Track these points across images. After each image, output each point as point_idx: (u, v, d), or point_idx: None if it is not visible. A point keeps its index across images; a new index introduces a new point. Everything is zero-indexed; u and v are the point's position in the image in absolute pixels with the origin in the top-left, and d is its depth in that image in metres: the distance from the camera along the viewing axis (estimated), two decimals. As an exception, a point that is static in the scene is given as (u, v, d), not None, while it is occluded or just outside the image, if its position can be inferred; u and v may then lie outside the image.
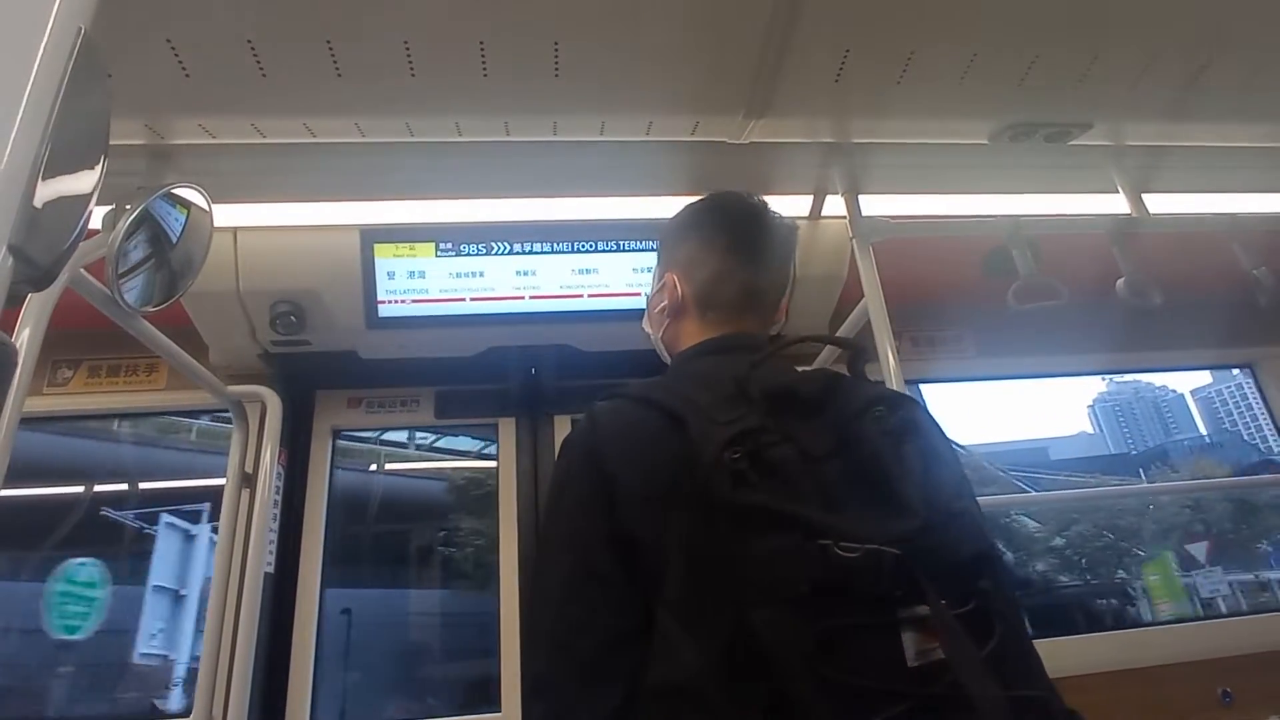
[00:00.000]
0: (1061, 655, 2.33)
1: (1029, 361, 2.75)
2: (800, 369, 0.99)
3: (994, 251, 2.23)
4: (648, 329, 1.20)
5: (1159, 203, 2.17)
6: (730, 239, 1.10)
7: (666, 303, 1.12)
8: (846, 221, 1.99)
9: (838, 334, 2.01)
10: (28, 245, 0.40)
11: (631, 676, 0.74)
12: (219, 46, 1.41)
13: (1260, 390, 2.89)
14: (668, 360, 1.16)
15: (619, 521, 0.80)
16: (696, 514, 0.74)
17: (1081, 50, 1.66)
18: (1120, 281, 2.09)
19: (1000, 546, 0.83)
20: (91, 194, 0.49)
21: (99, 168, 0.50)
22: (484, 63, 1.49)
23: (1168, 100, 1.87)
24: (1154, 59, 1.71)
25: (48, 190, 0.42)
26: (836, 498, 0.76)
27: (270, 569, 2.04)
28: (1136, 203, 2.14)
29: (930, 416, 0.92)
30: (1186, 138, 2.05)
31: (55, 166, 0.43)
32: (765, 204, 1.16)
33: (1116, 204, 2.17)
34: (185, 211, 1.70)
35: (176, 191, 1.65)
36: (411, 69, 1.48)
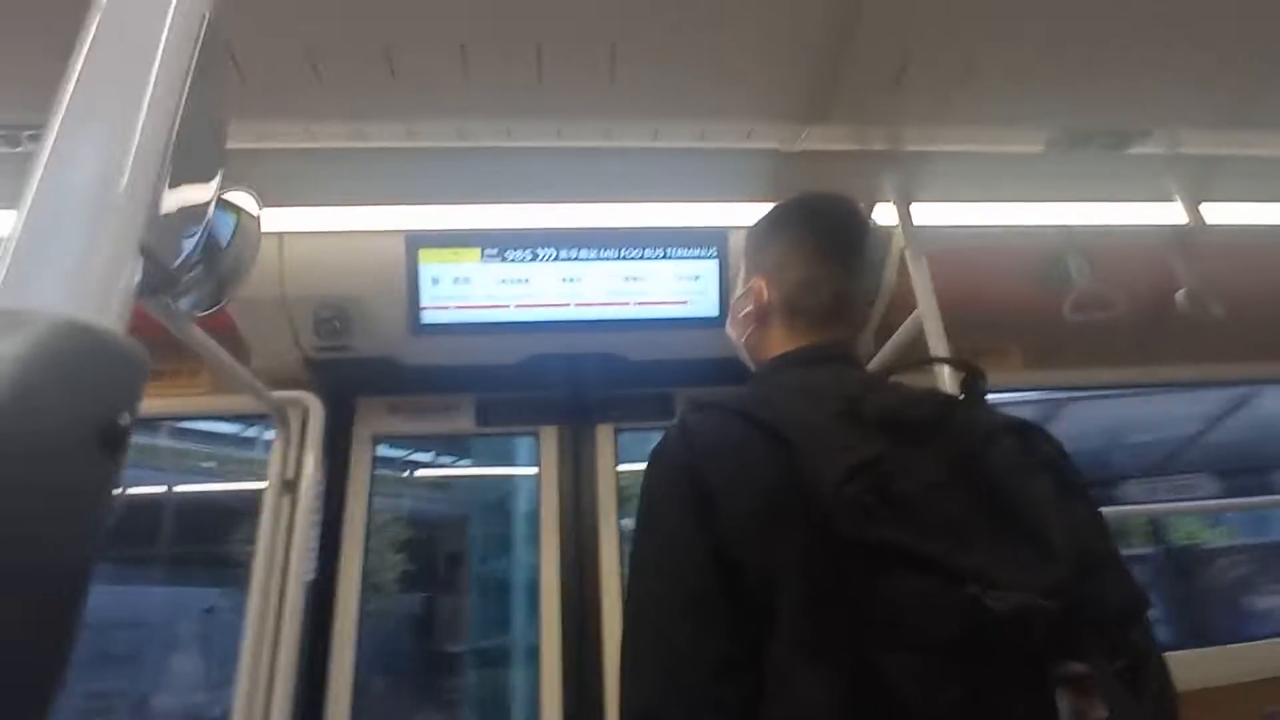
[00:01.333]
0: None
1: (1078, 375, 2.68)
2: (912, 387, 0.91)
3: (1049, 260, 2.18)
4: (732, 334, 1.15)
5: (1216, 212, 2.11)
6: (821, 242, 1.04)
7: (752, 308, 1.06)
8: (894, 231, 1.95)
9: (889, 344, 1.96)
10: (158, 247, 0.38)
11: (743, 709, 0.70)
12: (278, 56, 1.40)
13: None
14: (752, 367, 1.11)
15: (723, 542, 0.75)
16: (816, 546, 0.69)
17: (1141, 56, 1.62)
18: (1180, 293, 2.03)
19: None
20: (212, 200, 0.47)
21: (219, 173, 0.47)
22: (539, 68, 1.47)
23: (1226, 108, 1.82)
24: (1213, 66, 1.66)
25: (174, 196, 0.40)
26: (970, 534, 0.70)
27: (311, 576, 2.02)
28: (1194, 212, 2.08)
29: (1062, 448, 0.84)
30: (1245, 146, 2.00)
31: (180, 171, 0.41)
32: (857, 206, 1.11)
33: (1173, 214, 2.11)
34: (235, 216, 1.69)
35: (227, 197, 1.65)
36: (466, 73, 1.47)
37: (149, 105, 0.39)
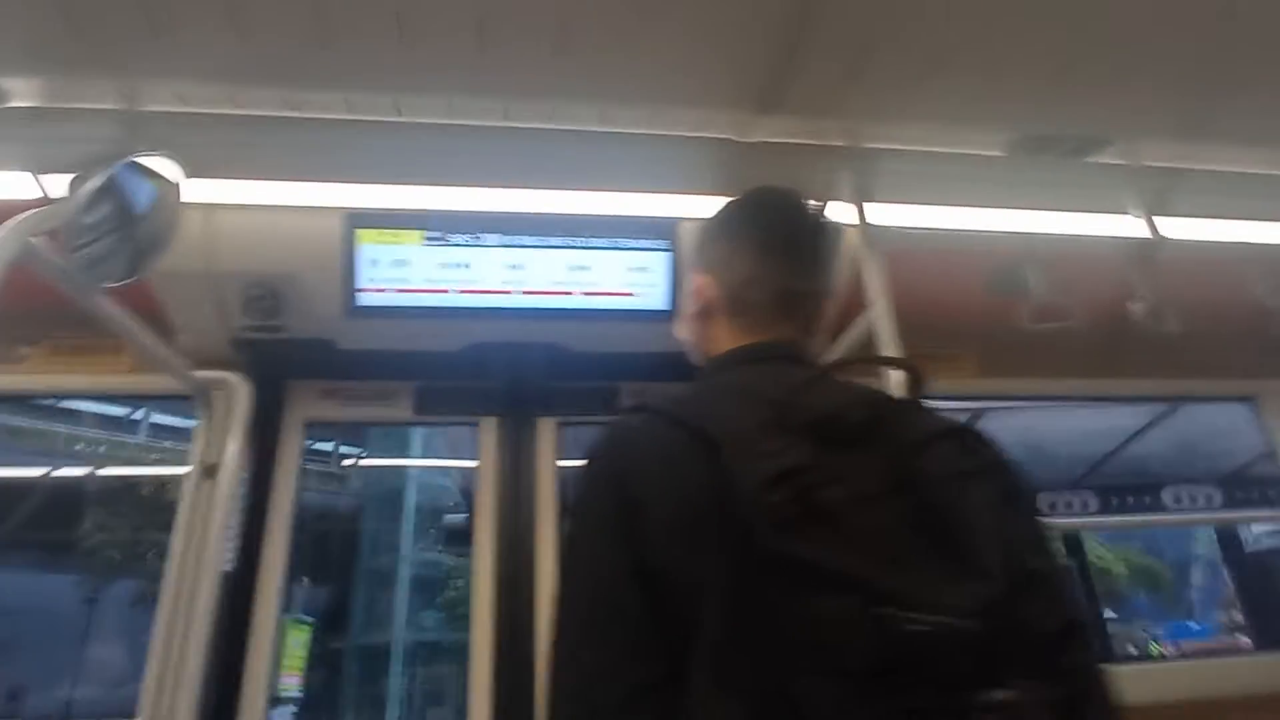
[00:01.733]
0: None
1: (1029, 384, 2.68)
2: (852, 385, 0.87)
3: (1002, 269, 2.16)
4: (680, 334, 1.11)
5: (1174, 226, 2.11)
6: (766, 238, 1.00)
7: (696, 306, 1.02)
8: (850, 230, 1.90)
9: (840, 344, 1.93)
10: None
11: None
12: (198, 10, 1.31)
13: (1262, 424, 2.84)
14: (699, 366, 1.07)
15: (647, 555, 0.70)
16: (734, 559, 0.64)
17: (1106, 63, 1.60)
18: (1136, 305, 2.02)
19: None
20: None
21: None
22: (482, 38, 1.40)
23: (1187, 119, 1.82)
24: (1176, 77, 1.66)
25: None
26: (896, 550, 0.65)
27: (229, 567, 1.92)
28: (1152, 225, 2.08)
29: (1002, 455, 0.79)
30: (1205, 160, 1.99)
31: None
32: (808, 202, 1.06)
33: (1131, 226, 2.10)
34: (154, 184, 1.60)
35: (145, 161, 1.54)
36: (405, 42, 1.39)
37: None
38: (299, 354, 2.10)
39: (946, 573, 0.63)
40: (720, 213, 1.09)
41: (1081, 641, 0.68)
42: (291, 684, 2.15)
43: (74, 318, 1.76)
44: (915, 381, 0.85)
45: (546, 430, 2.24)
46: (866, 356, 1.00)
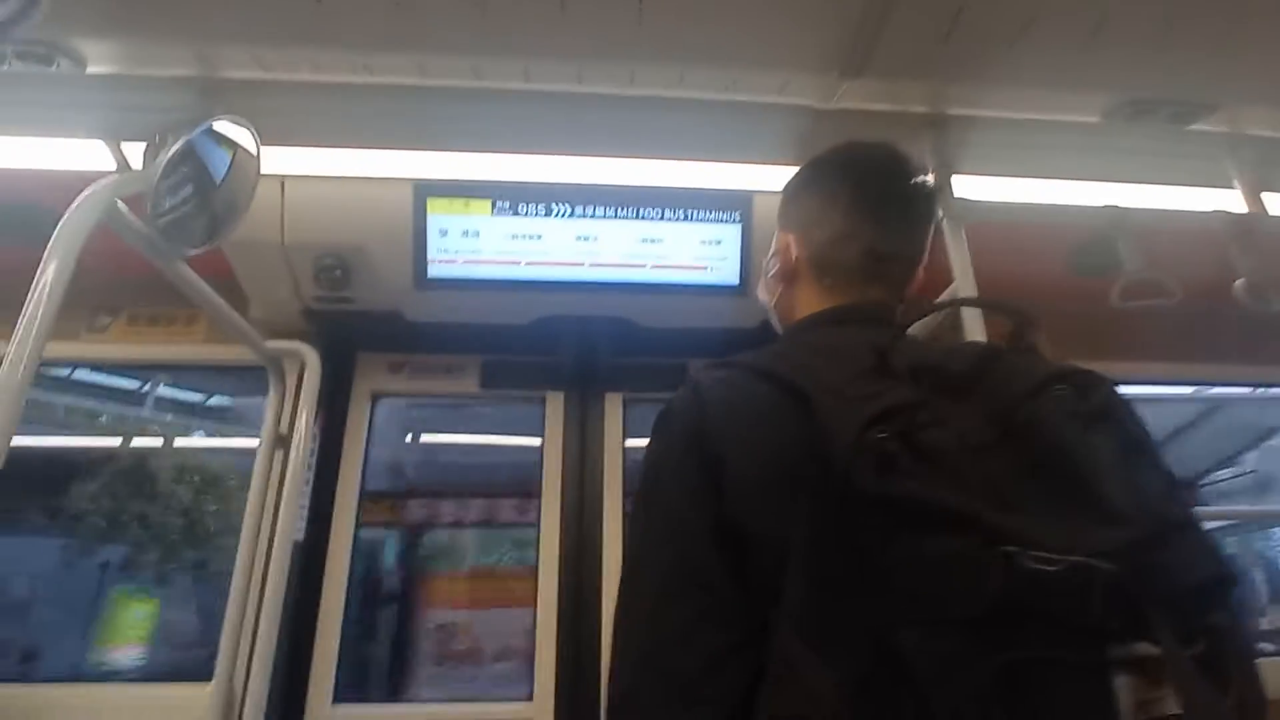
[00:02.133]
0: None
1: (1116, 365, 2.55)
2: (947, 343, 0.83)
3: (1093, 243, 2.05)
4: (762, 296, 1.06)
5: (1278, 201, 1.98)
6: (855, 196, 0.94)
7: (779, 267, 0.98)
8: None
9: (923, 321, 1.85)
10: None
11: (736, 701, 0.62)
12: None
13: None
14: (780, 332, 1.02)
15: (728, 513, 0.67)
16: (830, 507, 0.59)
17: (1212, 23, 1.49)
18: (1239, 283, 1.90)
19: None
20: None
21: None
22: (563, 1, 1.36)
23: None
24: (1287, 41, 1.53)
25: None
26: (1013, 494, 0.59)
27: (300, 536, 1.94)
28: (1255, 201, 1.95)
29: (1124, 400, 0.71)
30: (1318, 129, 1.86)
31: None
32: (903, 157, 1.00)
33: (1232, 200, 1.98)
34: (231, 151, 1.59)
35: (222, 130, 1.54)
36: (483, 3, 1.35)
37: None
38: (368, 325, 2.11)
39: (1075, 517, 0.57)
40: (807, 167, 1.04)
41: (1227, 599, 0.61)
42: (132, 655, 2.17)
43: (151, 288, 1.78)
44: (1023, 327, 0.78)
45: (614, 406, 2.21)
46: (965, 299, 0.94)
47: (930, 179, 1.01)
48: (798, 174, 1.06)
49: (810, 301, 0.94)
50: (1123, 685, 0.52)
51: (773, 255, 1.02)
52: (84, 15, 1.39)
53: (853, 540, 0.58)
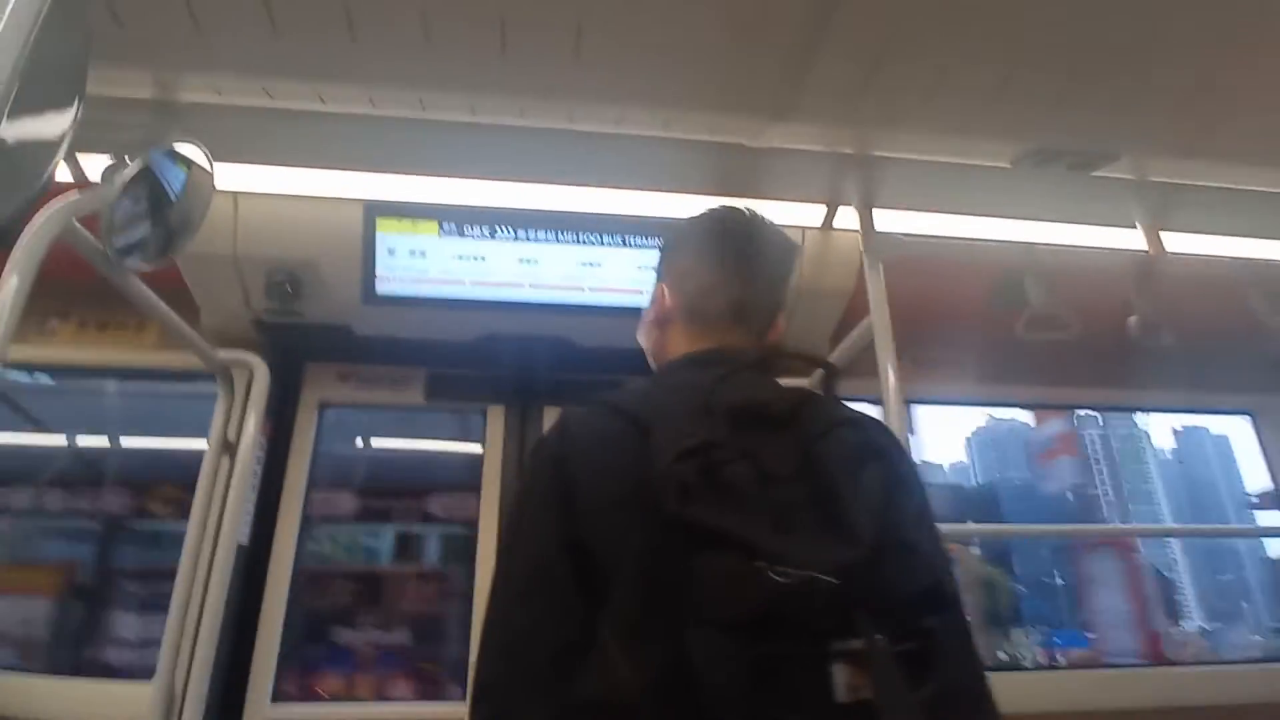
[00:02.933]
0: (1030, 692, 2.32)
1: (1026, 391, 2.73)
2: (784, 383, 0.95)
3: (1004, 279, 2.20)
4: (640, 339, 1.19)
5: (1177, 242, 2.14)
6: (721, 252, 1.07)
7: (654, 313, 1.11)
8: (858, 235, 1.95)
9: (840, 348, 1.98)
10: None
11: (574, 690, 0.74)
12: (234, 6, 1.37)
13: (1259, 437, 2.88)
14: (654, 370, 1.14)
15: (577, 529, 0.79)
16: (647, 526, 0.73)
17: (1114, 80, 1.63)
18: (1133, 319, 2.06)
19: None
20: (62, 140, 0.46)
21: (73, 111, 0.46)
22: (503, 39, 1.45)
23: (1191, 137, 1.84)
24: (1181, 95, 1.68)
25: (16, 130, 0.39)
26: (790, 521, 0.73)
27: (245, 540, 2.00)
28: (1155, 240, 2.11)
29: (897, 442, 0.89)
30: (1212, 178, 2.02)
31: (25, 104, 0.40)
32: (764, 220, 1.13)
33: (1134, 239, 2.14)
34: (186, 170, 1.66)
35: (179, 149, 1.61)
36: (428, 40, 1.44)
37: None
38: (317, 338, 2.18)
39: (823, 539, 0.72)
40: (681, 226, 1.17)
41: (942, 606, 0.76)
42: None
43: (103, 294, 1.82)
44: (831, 377, 0.96)
45: (552, 420, 2.30)
46: (792, 353, 1.08)
47: (788, 238, 1.15)
48: (674, 230, 1.19)
49: (679, 344, 1.05)
50: (838, 673, 0.67)
51: (650, 303, 1.14)
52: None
53: (661, 554, 0.71)
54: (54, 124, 0.47)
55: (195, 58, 1.51)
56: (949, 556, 0.84)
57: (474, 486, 2.27)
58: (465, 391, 2.35)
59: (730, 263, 1.06)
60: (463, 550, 2.29)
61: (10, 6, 0.42)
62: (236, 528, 1.91)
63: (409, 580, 2.38)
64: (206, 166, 1.65)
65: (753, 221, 1.12)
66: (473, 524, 2.23)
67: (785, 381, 0.98)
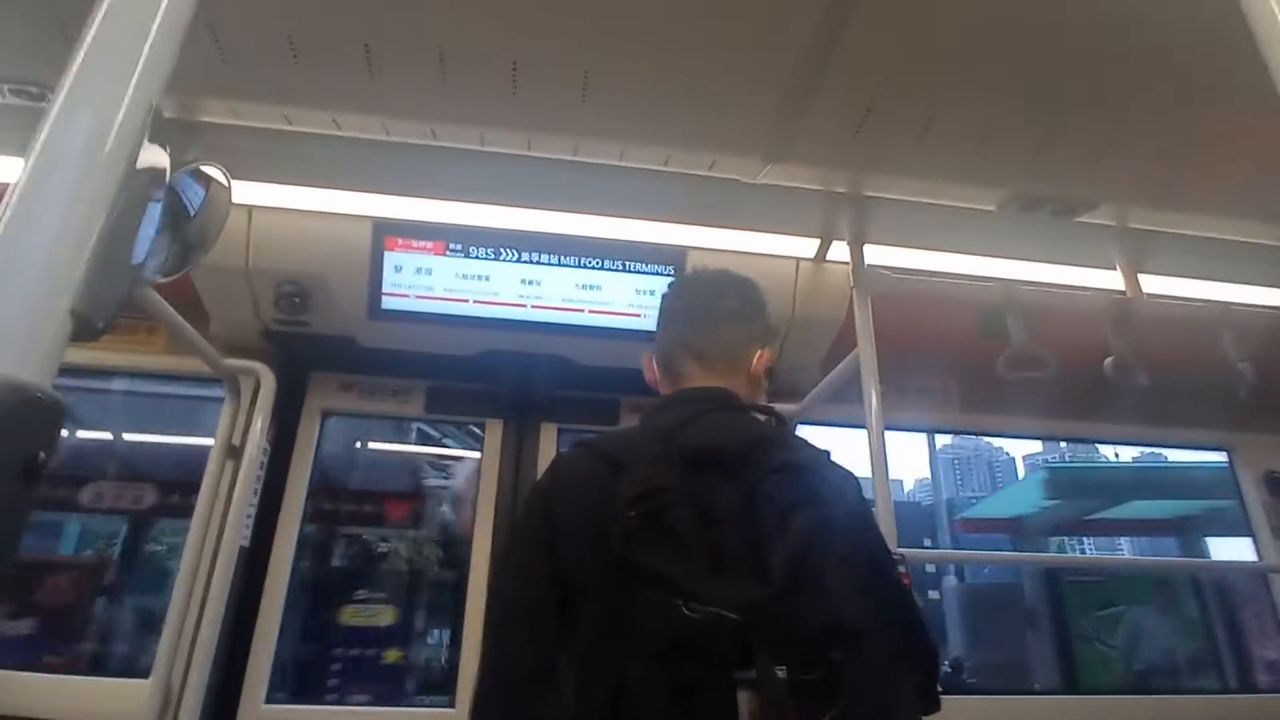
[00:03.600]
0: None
1: (1008, 421, 2.81)
2: (741, 420, 1.03)
3: (989, 312, 2.28)
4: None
5: (1154, 284, 2.22)
6: (684, 311, 1.17)
7: (649, 380, 1.20)
8: (849, 268, 2.03)
9: (828, 378, 2.06)
10: (88, 309, 0.44)
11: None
12: (259, 36, 1.44)
13: (1233, 474, 2.96)
14: None
15: (559, 561, 0.89)
16: (606, 564, 0.82)
17: (1096, 131, 1.71)
18: (1108, 360, 2.13)
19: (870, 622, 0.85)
20: (143, 263, 0.53)
21: (152, 236, 0.54)
22: (515, 80, 1.53)
23: (1174, 187, 1.93)
24: (1164, 148, 1.76)
25: (106, 256, 0.46)
26: (719, 562, 0.82)
27: (246, 543, 2.07)
28: (1133, 283, 2.19)
29: (846, 484, 0.96)
30: (1188, 226, 2.11)
31: (117, 236, 0.47)
32: (723, 274, 1.22)
33: (1114, 280, 2.21)
34: (205, 187, 1.72)
35: (201, 167, 1.68)
36: (444, 78, 1.52)
37: (83, 199, 0.46)
38: (322, 348, 2.24)
39: (742, 578, 0.81)
40: (660, 303, 1.25)
41: (846, 641, 0.82)
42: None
43: (116, 299, 1.88)
44: (779, 421, 1.06)
45: (549, 435, 2.38)
46: (744, 405, 1.15)
47: (753, 292, 1.23)
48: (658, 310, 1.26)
49: (663, 391, 1.16)
50: (743, 700, 0.77)
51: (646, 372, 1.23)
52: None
53: (608, 590, 0.82)
54: (138, 248, 0.54)
55: (218, 83, 1.58)
56: (879, 593, 0.89)
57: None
58: (465, 405, 2.41)
59: (690, 318, 1.15)
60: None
61: (108, 147, 0.49)
62: (239, 530, 1.98)
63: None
64: (225, 184, 1.71)
65: (708, 279, 1.21)
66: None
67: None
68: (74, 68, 0.50)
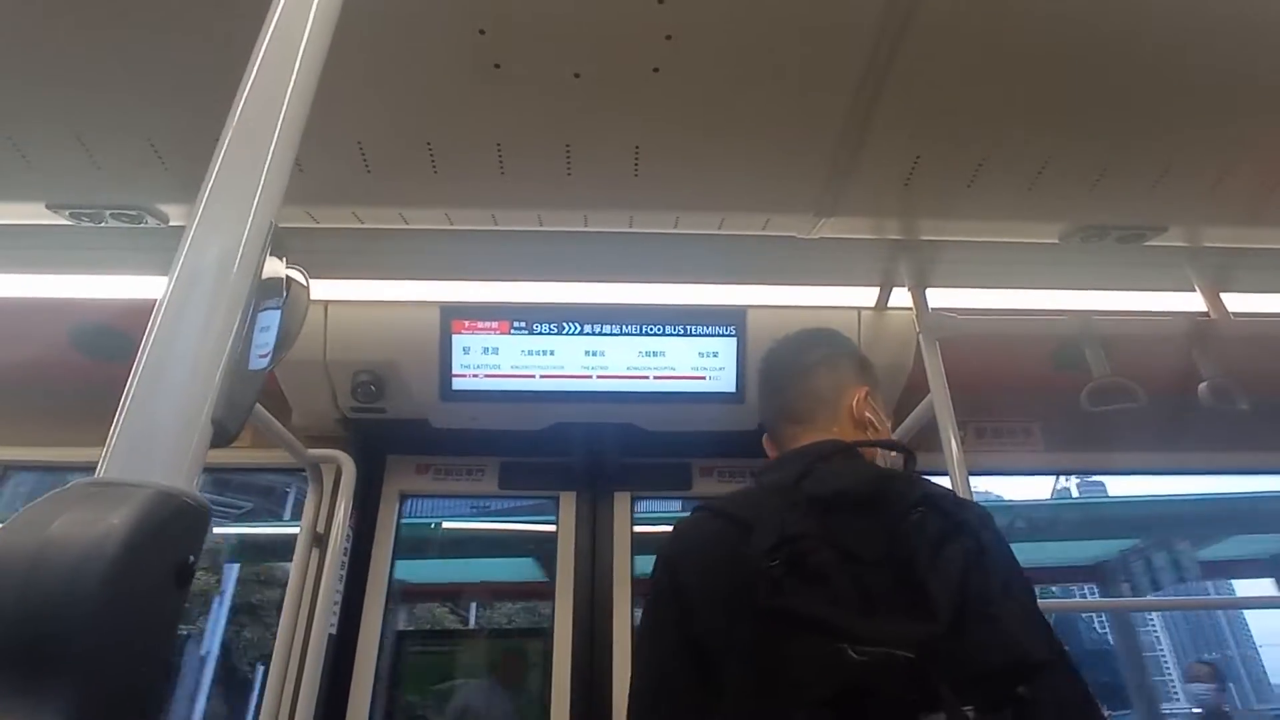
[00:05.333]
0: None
1: (1099, 457, 2.69)
2: (863, 464, 1.03)
3: (1065, 345, 2.21)
4: None
5: (1239, 303, 2.13)
6: (773, 380, 1.23)
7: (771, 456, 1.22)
8: (913, 313, 2.01)
9: (903, 425, 2.02)
10: (225, 416, 0.47)
11: None
12: (332, 145, 1.54)
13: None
14: None
15: (691, 630, 0.88)
16: (749, 618, 0.80)
17: (1154, 156, 1.67)
18: (1203, 385, 2.04)
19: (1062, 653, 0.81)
20: (265, 368, 0.57)
21: (271, 342, 0.58)
22: (569, 164, 1.59)
23: (1243, 205, 1.86)
24: (1230, 162, 1.71)
25: (237, 364, 0.50)
26: (875, 601, 0.79)
27: (334, 630, 2.10)
28: (1215, 302, 2.10)
29: (980, 515, 0.93)
30: (1267, 240, 2.02)
31: (245, 345, 0.51)
32: (802, 333, 1.28)
33: (1194, 302, 2.13)
34: (287, 289, 1.83)
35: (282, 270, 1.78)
36: (502, 169, 1.59)
37: (219, 314, 0.51)
38: (398, 432, 2.31)
39: (903, 616, 0.78)
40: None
41: (1033, 676, 0.78)
42: None
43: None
44: (908, 459, 1.04)
45: (622, 504, 2.38)
46: (867, 441, 1.15)
47: (827, 343, 1.26)
48: None
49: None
50: None
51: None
52: (167, 185, 1.64)
53: (759, 644, 0.79)
54: (270, 359, 0.58)
55: (295, 192, 1.68)
56: (1043, 623, 0.85)
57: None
58: (537, 480, 2.44)
59: (776, 384, 1.21)
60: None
61: (237, 263, 0.53)
62: (328, 618, 2.01)
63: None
64: (304, 284, 1.81)
65: (787, 343, 1.28)
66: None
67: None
68: (204, 195, 0.55)
